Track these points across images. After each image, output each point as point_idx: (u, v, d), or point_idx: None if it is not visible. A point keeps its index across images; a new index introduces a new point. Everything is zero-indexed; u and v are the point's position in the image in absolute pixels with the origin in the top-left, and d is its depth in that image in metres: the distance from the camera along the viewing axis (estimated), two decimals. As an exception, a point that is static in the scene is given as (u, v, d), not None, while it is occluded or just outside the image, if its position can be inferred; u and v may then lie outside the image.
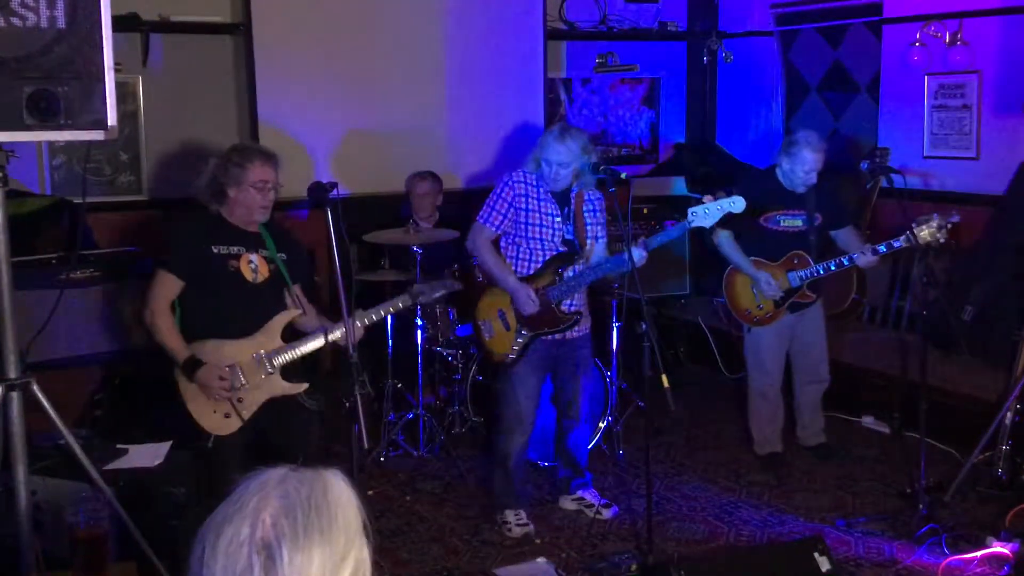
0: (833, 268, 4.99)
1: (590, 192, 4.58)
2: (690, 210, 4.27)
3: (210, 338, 3.84)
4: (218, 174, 3.89)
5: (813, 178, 4.98)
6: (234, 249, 3.91)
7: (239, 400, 3.84)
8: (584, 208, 4.56)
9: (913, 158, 6.61)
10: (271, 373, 3.89)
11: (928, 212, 4.70)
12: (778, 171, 5.07)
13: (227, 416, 3.84)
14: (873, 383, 5.91)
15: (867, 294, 6.44)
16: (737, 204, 4.20)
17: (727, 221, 5.04)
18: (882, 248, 4.82)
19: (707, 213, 4.22)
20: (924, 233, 4.57)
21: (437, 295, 4.30)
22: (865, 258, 4.89)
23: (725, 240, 5.10)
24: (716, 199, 4.23)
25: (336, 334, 3.89)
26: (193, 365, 3.78)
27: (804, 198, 5.05)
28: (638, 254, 4.25)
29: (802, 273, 5.04)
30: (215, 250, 3.88)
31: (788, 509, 4.78)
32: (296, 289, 4.04)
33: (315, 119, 6.40)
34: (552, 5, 7.20)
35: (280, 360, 3.90)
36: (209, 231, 3.91)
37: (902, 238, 4.68)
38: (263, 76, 6.17)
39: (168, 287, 3.84)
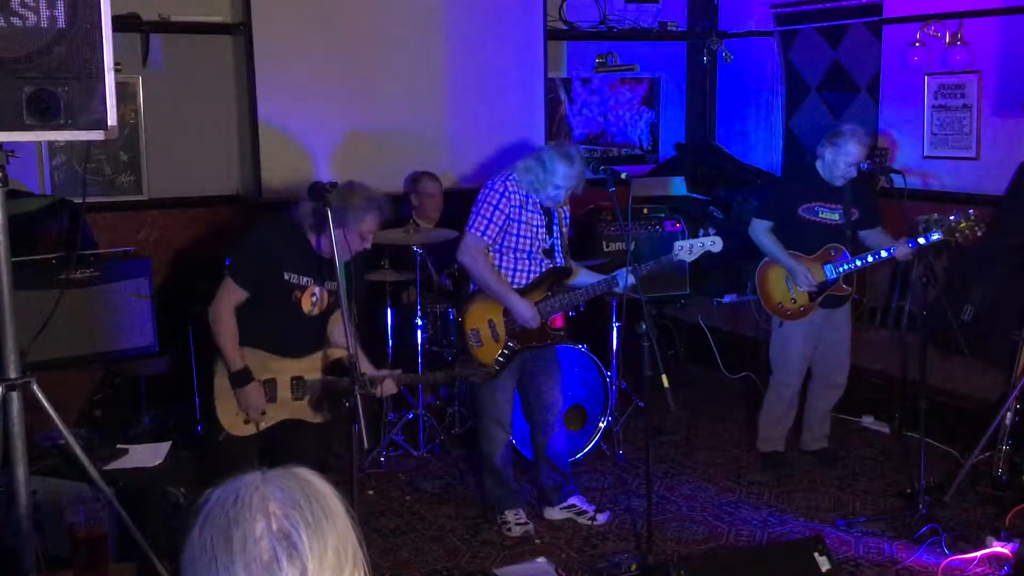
0: (871, 260, 4.94)
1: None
2: (676, 243, 4.62)
3: (252, 348, 3.90)
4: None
5: (853, 172, 4.93)
6: (304, 280, 3.94)
7: (263, 412, 3.91)
8: (560, 216, 4.61)
9: (913, 158, 6.61)
10: (300, 399, 4.00)
11: (928, 212, 4.69)
12: (818, 163, 5.02)
13: (246, 422, 3.92)
14: (873, 383, 5.91)
15: (867, 293, 6.44)
16: (716, 244, 4.58)
17: (763, 211, 5.09)
18: (921, 241, 4.75)
19: (692, 249, 4.59)
20: (963, 226, 4.55)
21: (476, 377, 4.46)
22: (903, 251, 4.83)
23: (760, 228, 5.07)
24: (700, 237, 4.61)
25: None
26: (244, 378, 3.84)
27: (842, 192, 5.02)
28: (624, 280, 4.41)
29: (839, 267, 5.01)
30: (286, 276, 3.90)
31: (788, 509, 4.78)
32: (349, 325, 3.74)
33: (315, 119, 6.39)
34: (552, 5, 7.19)
35: (314, 391, 4.01)
36: (288, 253, 3.91)
37: (940, 232, 4.63)
38: (263, 76, 6.16)
39: (233, 295, 3.89)
